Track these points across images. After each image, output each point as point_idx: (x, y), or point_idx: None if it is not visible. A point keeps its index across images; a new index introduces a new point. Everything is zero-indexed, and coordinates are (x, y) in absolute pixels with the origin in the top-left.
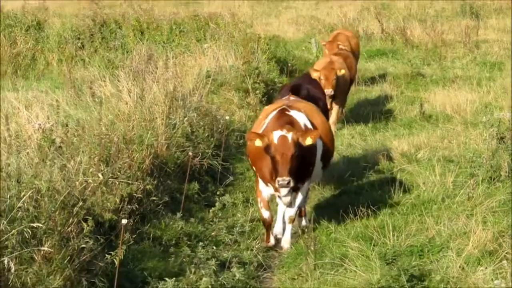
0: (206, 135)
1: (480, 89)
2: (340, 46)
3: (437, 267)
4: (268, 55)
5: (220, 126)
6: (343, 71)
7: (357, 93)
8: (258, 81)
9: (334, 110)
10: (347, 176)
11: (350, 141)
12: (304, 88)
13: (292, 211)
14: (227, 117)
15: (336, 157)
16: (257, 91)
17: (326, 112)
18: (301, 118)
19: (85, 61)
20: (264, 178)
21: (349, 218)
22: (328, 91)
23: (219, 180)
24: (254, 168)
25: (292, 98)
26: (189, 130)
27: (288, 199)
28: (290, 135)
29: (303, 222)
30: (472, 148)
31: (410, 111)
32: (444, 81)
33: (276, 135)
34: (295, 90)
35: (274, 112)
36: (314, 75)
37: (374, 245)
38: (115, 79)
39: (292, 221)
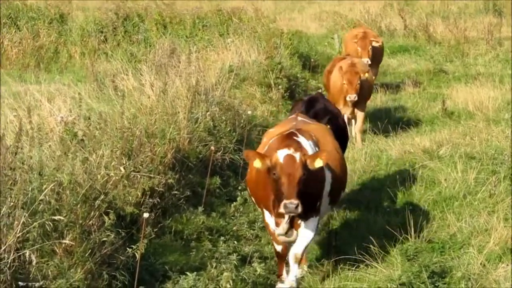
0: (228, 129)
1: (503, 86)
2: (374, 44)
3: (458, 264)
4: (290, 50)
5: (242, 121)
6: (367, 75)
7: (379, 90)
8: (280, 76)
9: (359, 117)
10: (369, 172)
11: (372, 137)
12: (321, 102)
13: (298, 249)
14: (249, 112)
15: (358, 153)
16: (280, 86)
17: (344, 129)
18: (308, 147)
19: (107, 54)
20: (269, 209)
21: (371, 214)
22: (352, 96)
23: (241, 175)
24: (254, 199)
25: (300, 118)
26: (211, 125)
27: (284, 236)
28: (297, 155)
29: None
30: (494, 145)
31: (432, 107)
32: (466, 78)
33: (281, 154)
34: (311, 104)
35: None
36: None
37: (395, 241)
38: (138, 72)
39: (298, 260)
